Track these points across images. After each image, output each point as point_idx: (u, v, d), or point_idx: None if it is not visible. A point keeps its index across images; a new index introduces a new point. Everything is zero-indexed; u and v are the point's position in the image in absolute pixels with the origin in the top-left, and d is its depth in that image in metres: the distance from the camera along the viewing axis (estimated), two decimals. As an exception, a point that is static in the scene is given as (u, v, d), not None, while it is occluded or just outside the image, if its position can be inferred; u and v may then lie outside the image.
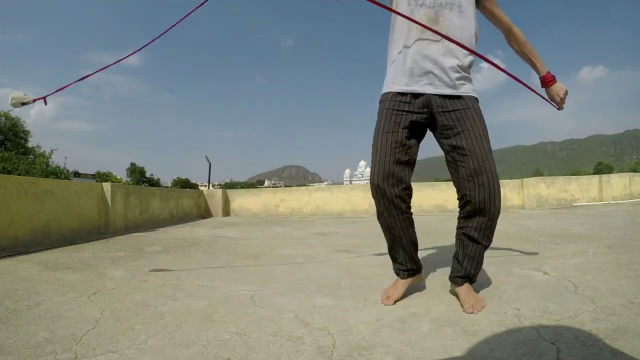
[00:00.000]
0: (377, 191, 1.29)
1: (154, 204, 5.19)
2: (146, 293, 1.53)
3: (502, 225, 3.79)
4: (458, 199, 1.32)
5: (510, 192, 6.51)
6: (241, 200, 7.18)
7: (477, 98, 1.31)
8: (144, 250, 2.73)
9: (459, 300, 1.28)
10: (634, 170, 56.10)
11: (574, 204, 6.42)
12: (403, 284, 1.38)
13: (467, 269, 1.29)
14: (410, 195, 1.32)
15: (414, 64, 1.26)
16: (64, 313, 1.27)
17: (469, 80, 1.30)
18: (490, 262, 1.95)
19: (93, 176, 35.29)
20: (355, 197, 6.68)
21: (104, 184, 4.17)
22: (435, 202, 6.46)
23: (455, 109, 1.25)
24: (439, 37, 1.23)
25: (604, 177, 6.87)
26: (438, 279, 1.63)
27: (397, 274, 1.41)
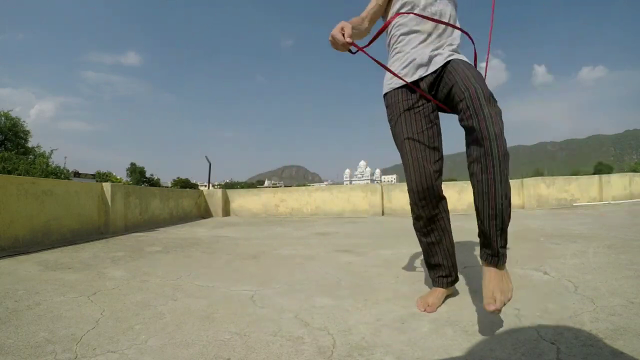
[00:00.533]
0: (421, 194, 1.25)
1: (154, 204, 5.19)
2: (146, 293, 1.53)
3: (502, 225, 3.79)
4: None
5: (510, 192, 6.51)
6: (241, 200, 7.18)
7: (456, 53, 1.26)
8: (144, 250, 2.73)
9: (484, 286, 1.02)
10: (634, 170, 56.10)
11: (574, 204, 6.42)
12: (443, 293, 1.31)
13: (484, 232, 1.05)
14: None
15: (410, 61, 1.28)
16: (64, 313, 1.27)
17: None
18: (490, 262, 1.96)
19: (93, 176, 35.30)
20: (355, 197, 6.68)
21: (104, 184, 4.16)
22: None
23: (440, 75, 1.21)
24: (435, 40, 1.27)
25: (604, 177, 6.86)
26: (438, 279, 1.63)
27: (436, 283, 1.32)
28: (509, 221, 1.06)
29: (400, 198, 6.49)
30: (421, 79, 1.26)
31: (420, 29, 1.28)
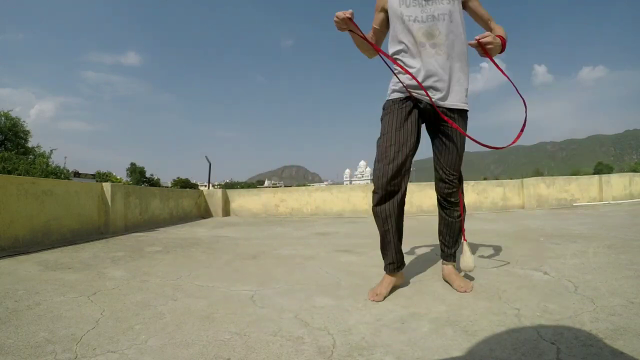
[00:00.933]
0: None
1: (154, 204, 5.19)
2: (146, 293, 1.53)
3: (502, 225, 3.79)
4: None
5: (510, 192, 6.51)
6: (241, 200, 7.18)
7: (467, 110, 1.45)
8: (144, 250, 2.73)
9: (445, 280, 1.52)
10: (634, 170, 56.09)
11: (574, 204, 6.42)
12: (390, 280, 1.45)
13: (444, 244, 1.58)
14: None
15: (417, 73, 1.37)
16: (64, 313, 1.27)
17: (463, 91, 1.42)
18: (491, 262, 1.96)
19: (93, 176, 35.29)
20: (355, 197, 6.68)
21: (104, 184, 4.16)
22: (435, 202, 6.45)
23: (445, 123, 1.41)
24: (439, 51, 1.36)
25: (604, 177, 6.86)
26: (438, 279, 1.63)
27: (387, 271, 1.48)
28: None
29: (400, 198, 6.49)
30: None
31: None
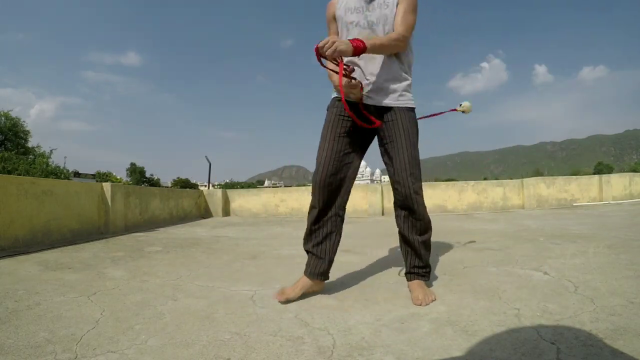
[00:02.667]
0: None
1: (154, 204, 5.19)
2: (146, 293, 1.53)
3: (502, 225, 3.79)
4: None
5: (510, 192, 6.51)
6: (241, 200, 7.18)
7: (410, 108, 1.44)
8: (144, 250, 2.73)
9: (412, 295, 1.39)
10: (634, 170, 56.09)
11: (574, 204, 6.42)
12: (304, 283, 1.43)
13: (411, 263, 1.48)
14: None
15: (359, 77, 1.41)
16: (64, 313, 1.27)
17: (404, 90, 1.43)
18: (490, 262, 1.96)
19: (93, 176, 35.28)
20: (355, 197, 6.68)
21: (104, 184, 4.16)
22: (435, 202, 6.46)
23: (387, 120, 1.41)
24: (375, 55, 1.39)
25: (604, 177, 6.86)
26: (438, 280, 1.63)
27: (304, 272, 1.48)
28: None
29: (400, 198, 6.49)
30: None
31: None
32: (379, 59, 1.40)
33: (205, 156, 12.13)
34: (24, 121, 22.96)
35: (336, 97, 1.47)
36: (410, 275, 1.48)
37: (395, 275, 1.76)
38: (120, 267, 2.08)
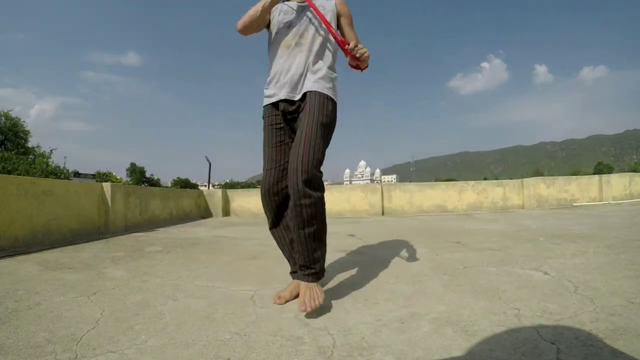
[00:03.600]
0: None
1: (154, 204, 5.19)
2: (146, 293, 1.53)
3: (502, 225, 3.79)
4: None
5: (510, 192, 6.51)
6: (241, 200, 7.18)
7: (322, 93, 1.40)
8: (144, 250, 2.73)
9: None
10: (634, 170, 56.09)
11: (574, 204, 6.42)
12: (295, 285, 1.42)
13: (297, 262, 1.37)
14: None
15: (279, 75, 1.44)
16: (64, 313, 1.27)
17: (323, 80, 1.42)
18: (490, 262, 1.96)
19: (93, 176, 35.28)
20: (355, 197, 6.68)
21: (104, 184, 4.16)
22: (435, 202, 6.46)
23: (300, 111, 1.41)
24: (300, 49, 1.42)
25: (604, 177, 6.86)
26: (438, 279, 1.63)
27: (291, 276, 1.49)
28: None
29: (400, 198, 6.49)
30: None
31: None
32: None
33: (205, 156, 12.15)
34: (24, 121, 22.99)
35: (267, 104, 1.49)
36: (294, 274, 1.47)
37: (395, 275, 1.76)
38: (120, 267, 2.08)
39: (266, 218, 1.51)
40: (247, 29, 1.50)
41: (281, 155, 1.44)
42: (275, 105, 1.45)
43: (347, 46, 1.33)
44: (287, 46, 1.44)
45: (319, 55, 1.45)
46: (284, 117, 1.44)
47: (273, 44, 1.50)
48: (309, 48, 1.43)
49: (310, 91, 1.39)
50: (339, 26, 1.51)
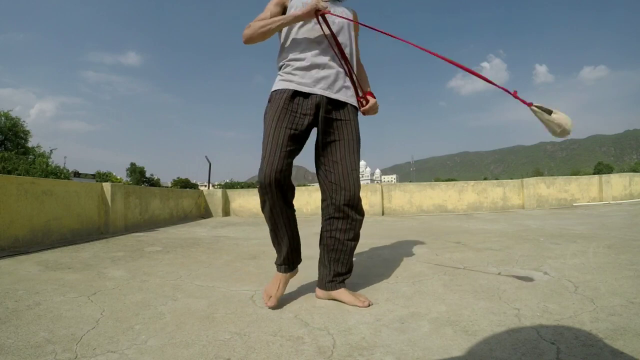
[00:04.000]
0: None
1: (154, 204, 5.19)
2: (146, 293, 1.53)
3: (502, 225, 3.79)
4: (323, 199, 1.44)
5: (510, 192, 6.51)
6: (241, 200, 7.18)
7: (356, 107, 1.45)
8: (144, 250, 2.73)
9: (345, 302, 1.32)
10: (634, 170, 56.08)
11: (574, 204, 6.42)
12: (284, 279, 1.43)
13: (335, 271, 1.39)
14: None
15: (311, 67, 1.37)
16: (64, 313, 1.27)
17: (350, 90, 1.43)
18: (491, 262, 1.96)
19: (93, 176, 35.29)
20: (355, 197, 6.68)
21: (104, 184, 4.16)
22: (435, 202, 6.46)
23: (338, 119, 1.38)
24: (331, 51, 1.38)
25: (604, 177, 6.86)
26: (438, 279, 1.63)
27: (278, 270, 1.47)
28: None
29: (400, 198, 6.49)
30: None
31: None
32: None
33: (205, 156, 12.15)
34: (23, 121, 23.00)
35: (289, 89, 1.36)
36: (332, 284, 1.40)
37: (395, 275, 1.76)
38: (120, 267, 2.08)
39: (263, 202, 1.39)
40: (255, 42, 1.43)
41: (288, 142, 1.31)
42: (300, 93, 1.35)
43: (361, 108, 1.45)
44: (319, 42, 1.37)
45: (347, 63, 1.41)
46: (316, 110, 1.34)
47: (300, 30, 1.39)
48: (341, 54, 1.38)
49: (350, 104, 1.41)
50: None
